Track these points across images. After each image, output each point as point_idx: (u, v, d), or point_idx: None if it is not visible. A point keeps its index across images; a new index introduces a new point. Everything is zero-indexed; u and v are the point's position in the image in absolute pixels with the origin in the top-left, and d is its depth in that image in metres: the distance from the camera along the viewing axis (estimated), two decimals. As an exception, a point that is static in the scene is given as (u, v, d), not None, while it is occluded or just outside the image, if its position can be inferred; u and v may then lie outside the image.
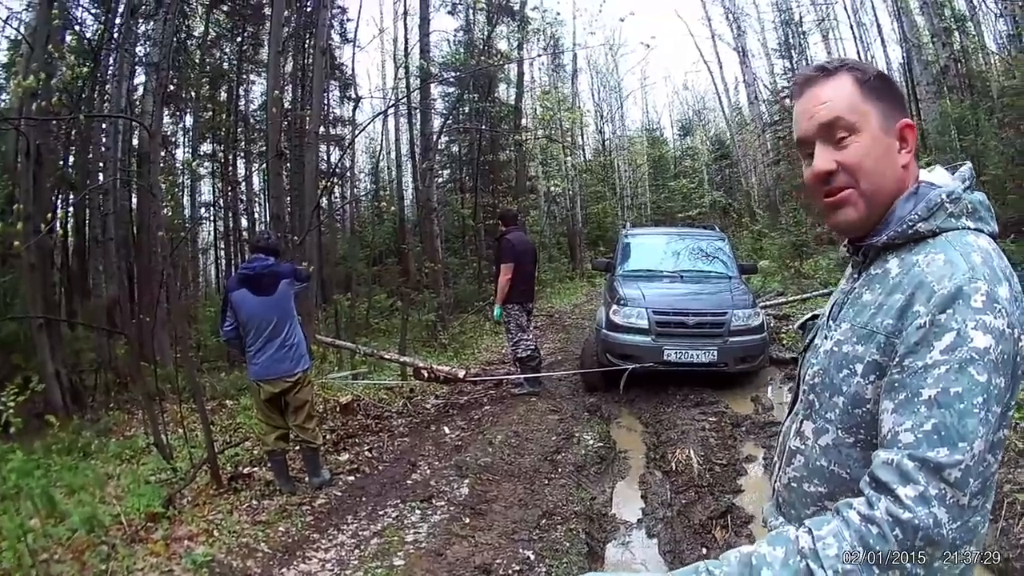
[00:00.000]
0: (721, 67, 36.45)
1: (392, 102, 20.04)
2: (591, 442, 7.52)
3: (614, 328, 9.28)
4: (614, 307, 9.46)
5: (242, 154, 19.15)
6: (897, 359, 1.38)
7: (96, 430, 7.93)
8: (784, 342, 11.64)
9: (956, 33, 18.66)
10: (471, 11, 21.28)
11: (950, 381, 1.29)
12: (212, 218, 20.57)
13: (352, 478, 6.57)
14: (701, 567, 1.35)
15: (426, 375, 8.97)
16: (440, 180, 21.59)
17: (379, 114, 20.03)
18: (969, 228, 1.49)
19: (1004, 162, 10.79)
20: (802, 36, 28.59)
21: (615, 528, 5.59)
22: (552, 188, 32.13)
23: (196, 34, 17.42)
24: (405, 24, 22.51)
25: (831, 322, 1.67)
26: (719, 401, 8.70)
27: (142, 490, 5.81)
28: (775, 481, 1.83)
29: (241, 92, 19.16)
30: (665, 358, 8.94)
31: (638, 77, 64.43)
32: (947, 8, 19.28)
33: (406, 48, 21.40)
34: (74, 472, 6.45)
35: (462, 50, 19.73)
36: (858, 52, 24.93)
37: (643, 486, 6.37)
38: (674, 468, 6.59)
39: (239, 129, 18.62)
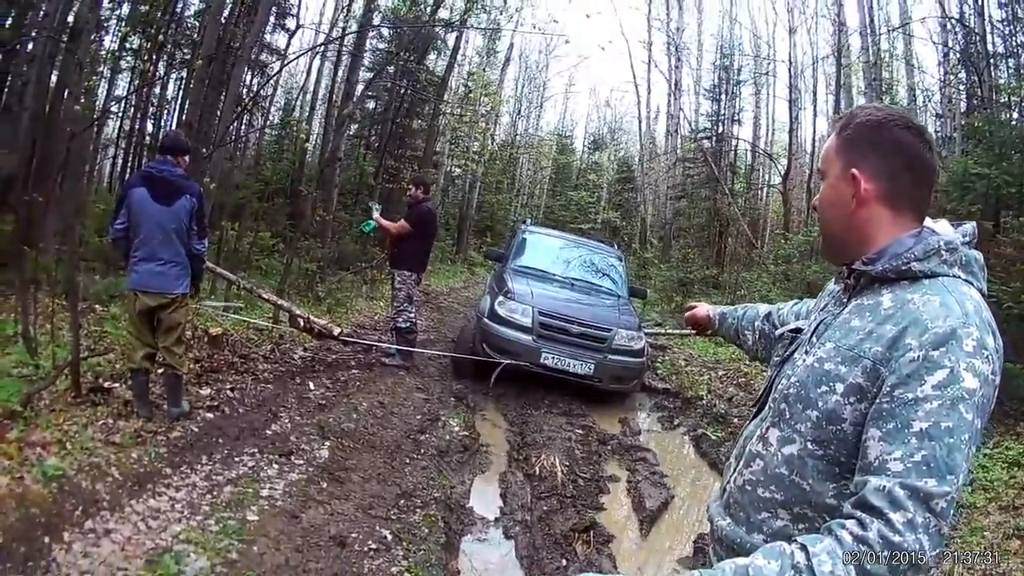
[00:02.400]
0: (649, 93, 36.69)
1: (328, 39, 19.41)
2: (456, 429, 7.43)
3: (496, 320, 9.16)
4: (500, 298, 9.34)
5: (166, 56, 18.18)
6: (887, 388, 1.46)
7: (-33, 308, 7.36)
8: (659, 371, 11.80)
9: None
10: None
11: (941, 416, 1.37)
12: (120, 114, 19.44)
13: (211, 415, 6.20)
14: (695, 575, 1.39)
15: (302, 323, 8.60)
16: (349, 133, 21.04)
17: (314, 47, 19.30)
18: (960, 278, 1.58)
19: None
20: (736, 84, 29.14)
21: (472, 522, 5.49)
22: (455, 168, 31.93)
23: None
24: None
25: (814, 339, 1.76)
26: (587, 415, 8.73)
27: (3, 382, 5.41)
28: (728, 482, 1.90)
29: (182, -6, 18.25)
30: (542, 361, 8.88)
31: (565, 81, 64.63)
32: (888, 96, 20.01)
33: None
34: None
35: (405, 7, 19.25)
36: (789, 115, 25.60)
37: (503, 484, 6.29)
38: (537, 473, 6.54)
39: (170, 31, 17.68)
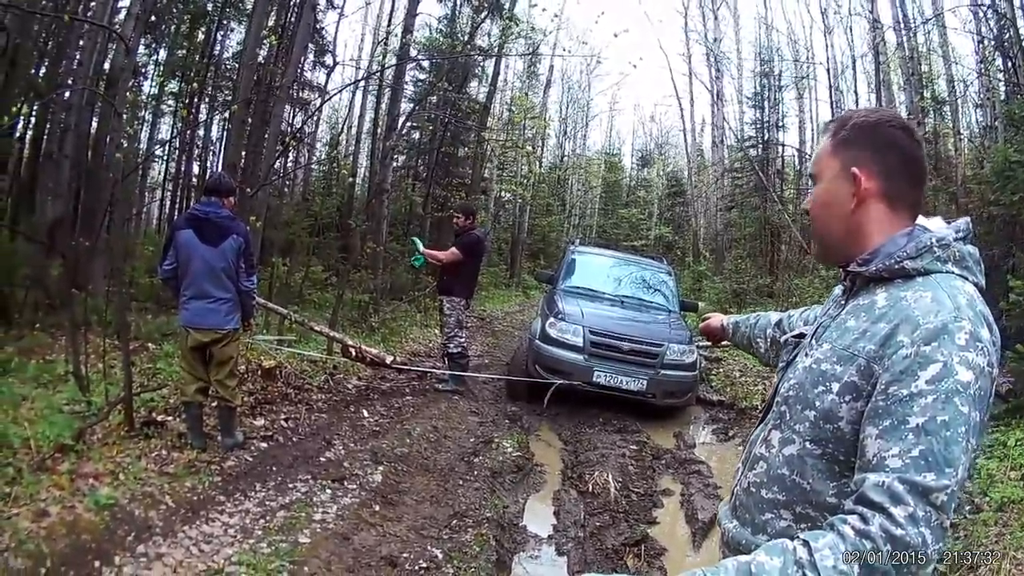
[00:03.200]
0: (692, 105, 36.47)
1: (367, 73, 19.73)
2: (509, 450, 7.42)
3: (548, 341, 9.20)
4: (551, 319, 9.38)
5: (207, 99, 18.64)
6: (882, 386, 1.47)
7: (18, 347, 7.59)
8: (713, 384, 11.71)
9: (932, 114, 19.04)
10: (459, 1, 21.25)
11: (937, 410, 1.37)
12: (165, 157, 20.01)
13: (265, 445, 6.36)
14: (698, 573, 1.41)
15: (354, 354, 8.72)
16: (395, 164, 21.28)
17: (354, 83, 19.44)
18: (955, 273, 1.58)
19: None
20: (778, 90, 28.85)
21: (525, 540, 5.49)
22: (504, 194, 32.07)
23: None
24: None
25: (813, 342, 1.78)
26: (641, 431, 8.68)
27: (54, 418, 5.58)
28: (735, 485, 1.93)
29: (218, 36, 18.71)
30: (595, 379, 8.89)
31: (608, 100, 64.37)
32: (928, 89, 19.67)
33: (389, 23, 21.21)
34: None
35: (442, 38, 19.50)
36: (832, 114, 25.27)
37: (557, 503, 6.28)
38: (590, 490, 6.53)
39: (209, 73, 18.14)
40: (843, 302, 1.77)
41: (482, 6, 19.67)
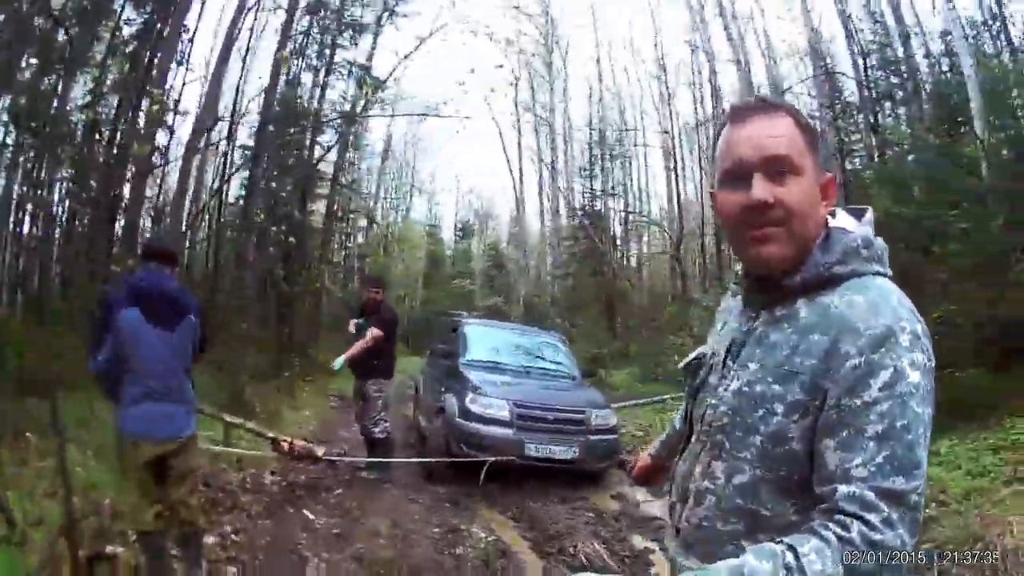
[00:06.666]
0: (522, 176, 37.34)
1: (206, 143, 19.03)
2: (482, 535, 7.05)
3: (470, 417, 8.99)
4: (470, 395, 9.18)
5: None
6: (832, 400, 1.47)
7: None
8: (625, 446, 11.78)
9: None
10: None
11: (895, 415, 1.40)
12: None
13: (234, 569, 5.42)
14: None
15: (286, 448, 8.01)
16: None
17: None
18: (878, 272, 1.59)
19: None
20: (610, 159, 30.00)
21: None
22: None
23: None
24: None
25: (730, 362, 1.73)
26: (585, 498, 8.63)
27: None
28: (680, 521, 1.84)
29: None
30: (527, 452, 8.75)
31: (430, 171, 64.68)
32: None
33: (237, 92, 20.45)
34: None
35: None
36: (670, 184, 26.45)
37: (565, 582, 6.01)
38: (583, 562, 6.34)
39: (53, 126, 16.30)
40: (753, 315, 1.72)
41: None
